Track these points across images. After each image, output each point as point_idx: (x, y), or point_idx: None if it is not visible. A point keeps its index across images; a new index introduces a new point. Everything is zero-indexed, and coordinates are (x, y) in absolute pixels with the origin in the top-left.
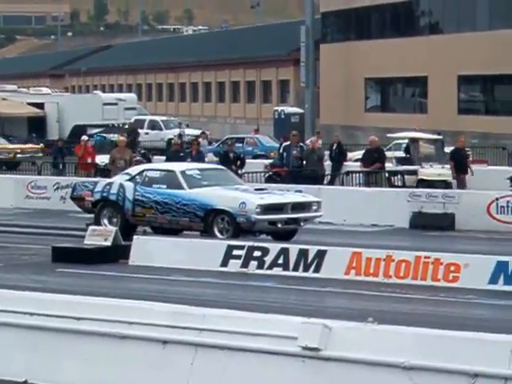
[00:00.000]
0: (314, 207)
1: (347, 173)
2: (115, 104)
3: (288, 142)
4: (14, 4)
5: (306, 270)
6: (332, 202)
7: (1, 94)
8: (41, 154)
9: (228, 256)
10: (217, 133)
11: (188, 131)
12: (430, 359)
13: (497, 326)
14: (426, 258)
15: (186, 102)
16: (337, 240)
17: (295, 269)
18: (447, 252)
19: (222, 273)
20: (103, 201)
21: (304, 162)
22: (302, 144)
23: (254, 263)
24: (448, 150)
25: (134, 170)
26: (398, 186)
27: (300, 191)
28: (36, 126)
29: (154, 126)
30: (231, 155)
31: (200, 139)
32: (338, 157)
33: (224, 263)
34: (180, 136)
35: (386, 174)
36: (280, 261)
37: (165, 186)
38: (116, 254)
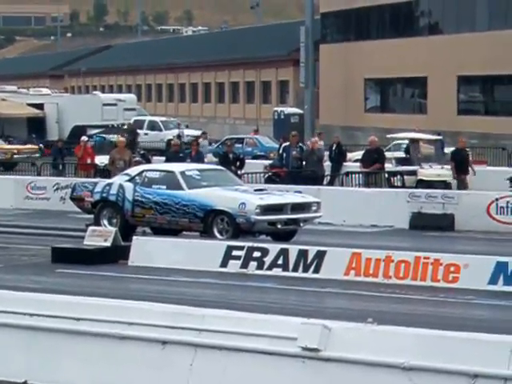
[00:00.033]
0: (314, 208)
1: (347, 173)
2: (115, 105)
3: (287, 143)
4: (13, 5)
5: (305, 270)
6: (331, 202)
7: (0, 95)
8: (38, 155)
9: (227, 256)
10: (216, 133)
11: (187, 132)
12: (429, 360)
13: (496, 327)
14: (425, 258)
15: (185, 103)
16: (336, 240)
17: (295, 269)
18: (447, 252)
19: (221, 273)
20: (103, 201)
21: (303, 163)
22: (301, 144)
23: (253, 264)
24: (448, 150)
25: (133, 170)
26: (397, 187)
27: (299, 192)
28: (36, 126)
29: (153, 126)
30: (231, 156)
31: (200, 139)
32: (338, 157)
33: (223, 264)
34: (179, 137)
35: (386, 175)
36: (280, 261)
37: (164, 187)
38: (115, 254)
